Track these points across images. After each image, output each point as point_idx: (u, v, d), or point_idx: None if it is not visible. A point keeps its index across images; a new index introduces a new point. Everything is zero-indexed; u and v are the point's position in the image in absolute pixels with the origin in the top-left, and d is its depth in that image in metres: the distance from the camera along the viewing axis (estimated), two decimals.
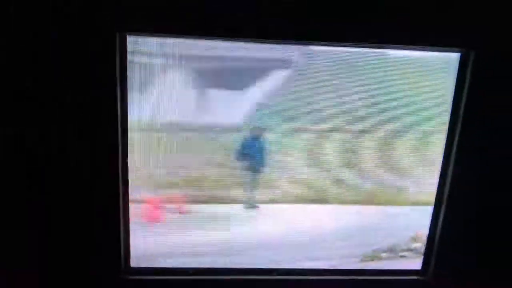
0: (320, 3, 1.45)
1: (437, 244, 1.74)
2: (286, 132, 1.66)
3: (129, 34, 1.48)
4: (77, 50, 1.43)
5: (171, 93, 1.57)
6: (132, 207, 1.63)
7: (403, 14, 1.47)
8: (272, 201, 1.74)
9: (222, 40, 1.53)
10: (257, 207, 1.73)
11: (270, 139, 1.66)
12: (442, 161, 1.67)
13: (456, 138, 1.62)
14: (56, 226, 1.58)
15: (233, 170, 1.67)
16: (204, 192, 1.70)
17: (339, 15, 1.47)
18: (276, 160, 1.68)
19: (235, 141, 1.66)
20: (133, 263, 1.68)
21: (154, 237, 1.68)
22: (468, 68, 1.56)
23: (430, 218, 1.74)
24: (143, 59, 1.52)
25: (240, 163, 1.67)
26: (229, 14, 1.44)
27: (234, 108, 1.63)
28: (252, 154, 1.67)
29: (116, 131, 1.52)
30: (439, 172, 1.69)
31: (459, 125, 1.61)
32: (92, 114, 1.49)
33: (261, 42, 1.55)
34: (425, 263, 1.78)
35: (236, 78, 1.61)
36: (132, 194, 1.62)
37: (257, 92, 1.61)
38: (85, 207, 1.56)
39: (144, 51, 1.52)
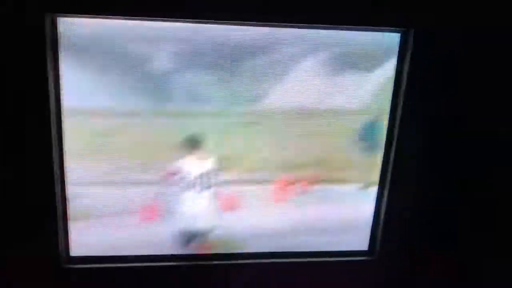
0: None
1: (382, 224, 1.75)
2: None
3: (59, 16, 1.43)
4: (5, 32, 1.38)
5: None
6: (260, 188, 1.69)
7: None
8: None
9: (154, 20, 1.49)
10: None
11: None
12: (385, 139, 1.69)
13: (398, 117, 1.64)
14: None
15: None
16: (328, 173, 1.73)
17: None
18: None
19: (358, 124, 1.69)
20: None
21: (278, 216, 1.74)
22: (408, 46, 1.57)
23: (375, 199, 1.75)
24: None
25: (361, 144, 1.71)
26: None
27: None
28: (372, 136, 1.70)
29: (48, 119, 1.48)
30: (382, 151, 1.70)
31: (400, 103, 1.63)
32: (21, 103, 1.45)
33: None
34: (371, 243, 1.80)
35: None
36: (260, 176, 1.69)
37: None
38: (21, 194, 1.52)
39: None
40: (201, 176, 1.66)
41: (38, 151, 1.49)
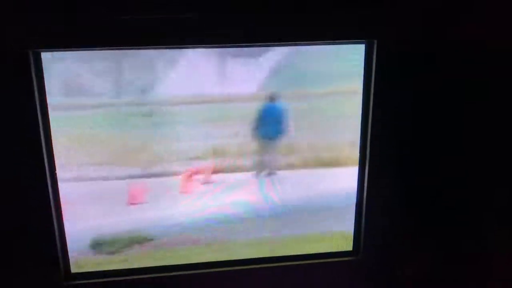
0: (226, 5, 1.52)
1: (365, 223, 1.82)
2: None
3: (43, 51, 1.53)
4: None
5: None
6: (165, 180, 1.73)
7: (305, 11, 1.55)
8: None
9: (141, 49, 1.59)
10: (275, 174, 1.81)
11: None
12: (360, 140, 1.77)
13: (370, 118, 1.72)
14: None
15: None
16: (226, 161, 1.76)
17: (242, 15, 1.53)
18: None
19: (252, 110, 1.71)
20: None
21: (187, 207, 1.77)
22: (373, 56, 1.65)
23: (355, 199, 1.83)
24: None
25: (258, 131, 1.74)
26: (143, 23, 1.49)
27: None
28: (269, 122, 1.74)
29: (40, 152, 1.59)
30: (359, 149, 1.78)
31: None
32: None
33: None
34: (355, 243, 1.87)
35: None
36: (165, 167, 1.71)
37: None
38: (17, 212, 1.62)
39: None
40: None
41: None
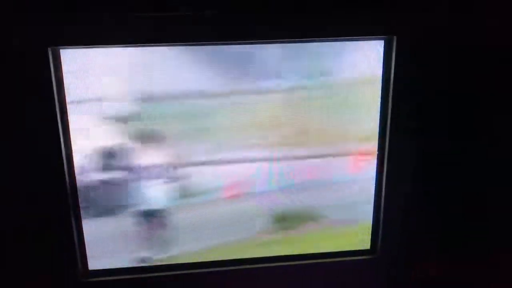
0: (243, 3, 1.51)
1: (383, 222, 1.81)
2: None
3: (62, 48, 1.54)
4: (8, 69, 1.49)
5: None
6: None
7: (323, 8, 1.54)
8: None
9: (160, 46, 1.58)
10: None
11: None
12: (378, 139, 1.75)
13: (389, 121, 1.71)
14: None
15: None
16: None
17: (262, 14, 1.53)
18: None
19: None
20: None
21: None
22: (392, 52, 1.64)
23: (373, 197, 1.81)
24: None
25: None
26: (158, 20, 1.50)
27: None
28: None
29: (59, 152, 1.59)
30: (377, 151, 1.76)
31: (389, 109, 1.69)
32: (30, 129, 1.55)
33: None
34: (372, 242, 1.86)
35: None
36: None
37: None
38: (35, 212, 1.63)
39: None
40: None
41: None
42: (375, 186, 1.80)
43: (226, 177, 1.75)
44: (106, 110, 1.62)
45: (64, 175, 1.62)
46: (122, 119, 1.64)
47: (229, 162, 1.73)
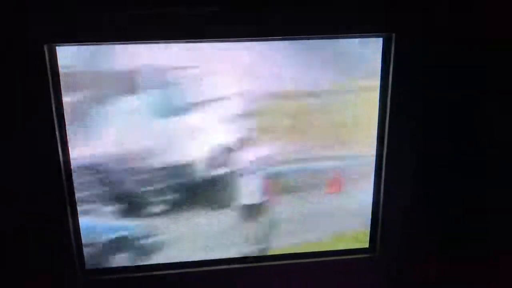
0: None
1: (381, 220, 1.81)
2: None
3: (59, 45, 1.52)
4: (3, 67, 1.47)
5: None
6: None
7: (318, 4, 1.53)
8: None
9: (157, 42, 1.57)
10: None
11: None
12: (377, 137, 1.74)
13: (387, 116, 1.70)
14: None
15: None
16: None
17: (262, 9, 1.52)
18: None
19: None
20: None
21: None
22: (391, 49, 1.63)
23: (372, 195, 1.80)
24: None
25: None
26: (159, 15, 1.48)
27: None
28: None
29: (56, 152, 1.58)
30: (375, 146, 1.75)
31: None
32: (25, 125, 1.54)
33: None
34: (371, 240, 1.86)
35: None
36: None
37: None
38: (32, 211, 1.62)
39: None
40: None
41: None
42: (374, 185, 1.79)
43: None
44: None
45: (62, 174, 1.61)
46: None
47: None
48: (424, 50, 1.60)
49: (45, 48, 1.49)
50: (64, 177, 1.62)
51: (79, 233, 1.70)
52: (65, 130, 1.60)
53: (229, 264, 1.81)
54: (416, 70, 1.63)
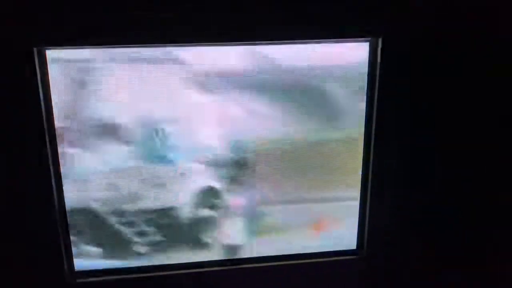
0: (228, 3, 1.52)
1: (368, 220, 1.82)
2: None
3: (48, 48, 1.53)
4: None
5: None
6: None
7: (306, 8, 1.54)
8: None
9: (152, 46, 1.58)
10: None
11: None
12: (363, 141, 1.76)
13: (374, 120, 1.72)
14: None
15: None
16: None
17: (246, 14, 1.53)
18: None
19: None
20: None
21: None
22: (377, 54, 1.65)
23: (359, 197, 1.82)
24: None
25: None
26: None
27: None
28: None
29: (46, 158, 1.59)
30: (363, 146, 1.77)
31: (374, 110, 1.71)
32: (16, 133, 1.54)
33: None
34: (359, 242, 1.87)
35: None
36: None
37: None
38: (20, 211, 1.62)
39: None
40: None
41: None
42: (361, 186, 1.81)
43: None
44: None
45: (50, 176, 1.61)
46: None
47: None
48: (411, 53, 1.63)
49: (35, 51, 1.50)
50: (53, 181, 1.62)
51: (69, 235, 1.71)
52: (55, 130, 1.60)
53: (217, 266, 1.83)
54: (402, 73, 1.66)
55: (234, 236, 1.82)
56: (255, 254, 1.84)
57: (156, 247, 1.79)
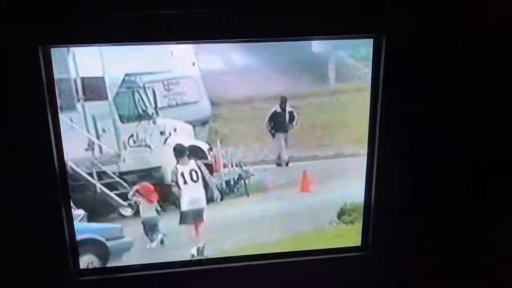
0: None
1: (373, 217, 1.83)
2: None
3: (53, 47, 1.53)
4: None
5: None
6: None
7: (308, 4, 1.54)
8: None
9: (153, 44, 1.59)
10: None
11: None
12: (368, 141, 1.77)
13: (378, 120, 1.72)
14: None
15: None
16: None
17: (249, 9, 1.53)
18: None
19: None
20: None
21: None
22: (382, 51, 1.65)
23: (364, 192, 1.82)
24: None
25: None
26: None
27: None
28: None
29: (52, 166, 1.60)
30: (368, 142, 1.77)
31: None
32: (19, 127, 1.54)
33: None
34: (363, 238, 1.88)
35: None
36: None
37: None
38: (25, 208, 1.62)
39: None
40: None
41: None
42: (366, 182, 1.81)
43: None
44: None
45: (56, 175, 1.62)
46: None
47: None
48: (416, 51, 1.62)
49: (40, 50, 1.50)
50: (58, 178, 1.63)
51: (74, 233, 1.71)
52: (60, 132, 1.61)
53: (218, 263, 1.83)
54: (407, 71, 1.65)
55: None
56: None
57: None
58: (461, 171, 1.80)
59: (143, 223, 1.76)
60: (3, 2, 1.43)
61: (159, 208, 1.76)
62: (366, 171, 1.80)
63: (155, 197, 1.75)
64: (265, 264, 1.83)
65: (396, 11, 1.58)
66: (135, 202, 1.73)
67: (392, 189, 1.78)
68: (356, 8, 1.57)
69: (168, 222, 1.79)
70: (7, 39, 1.45)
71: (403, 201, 1.80)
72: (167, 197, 1.77)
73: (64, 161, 1.64)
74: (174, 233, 1.80)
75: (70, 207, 1.69)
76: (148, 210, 1.75)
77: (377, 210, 1.81)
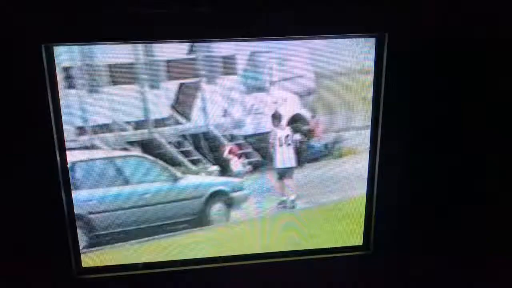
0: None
1: (375, 217, 1.82)
2: None
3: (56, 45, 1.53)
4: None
5: None
6: None
7: (310, 3, 1.55)
8: None
9: (154, 42, 1.61)
10: None
11: None
12: (370, 141, 1.77)
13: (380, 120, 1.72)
14: None
15: None
16: None
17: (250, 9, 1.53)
18: None
19: None
20: None
21: None
22: (384, 49, 1.65)
23: (365, 192, 1.83)
24: None
25: None
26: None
27: None
28: None
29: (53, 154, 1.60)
30: (369, 146, 1.78)
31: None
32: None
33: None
34: (365, 237, 1.87)
35: None
36: None
37: None
38: (27, 209, 1.62)
39: None
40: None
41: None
42: (368, 181, 1.81)
43: None
44: None
45: (58, 172, 1.62)
46: None
47: None
48: (418, 49, 1.62)
49: (43, 48, 1.50)
50: (60, 175, 1.63)
51: (76, 231, 1.72)
52: (62, 129, 1.62)
53: (224, 262, 1.83)
54: (409, 69, 1.65)
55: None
56: None
57: None
58: (461, 171, 1.80)
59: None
60: (4, 2, 1.43)
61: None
62: (368, 169, 1.80)
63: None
64: (266, 263, 1.83)
65: (398, 9, 1.58)
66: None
67: (394, 188, 1.78)
68: (358, 7, 1.57)
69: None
70: (10, 37, 1.46)
71: (404, 200, 1.80)
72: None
73: (65, 158, 1.64)
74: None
75: (72, 205, 1.69)
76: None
77: (380, 209, 1.81)
